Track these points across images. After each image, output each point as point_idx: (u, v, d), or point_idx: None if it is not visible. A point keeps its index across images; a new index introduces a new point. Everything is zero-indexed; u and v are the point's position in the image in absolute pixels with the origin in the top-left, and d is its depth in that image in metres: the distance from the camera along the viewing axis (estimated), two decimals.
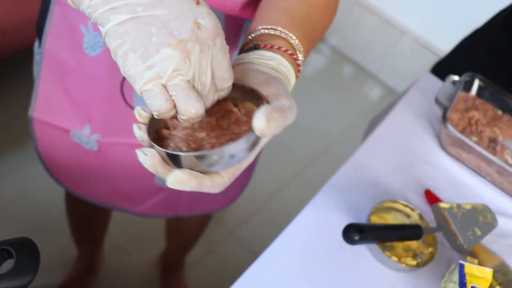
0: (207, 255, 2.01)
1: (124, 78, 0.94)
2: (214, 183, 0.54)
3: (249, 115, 0.57)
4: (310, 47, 0.74)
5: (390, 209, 0.98)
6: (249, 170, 1.33)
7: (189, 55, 0.50)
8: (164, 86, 0.51)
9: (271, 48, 0.65)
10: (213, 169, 0.53)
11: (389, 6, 2.81)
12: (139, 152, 0.53)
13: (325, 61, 3.12)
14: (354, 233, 0.84)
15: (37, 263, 0.47)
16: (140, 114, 0.56)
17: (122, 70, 0.51)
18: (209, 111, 0.57)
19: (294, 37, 0.67)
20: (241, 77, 0.59)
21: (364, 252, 0.94)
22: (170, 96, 0.51)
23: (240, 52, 0.68)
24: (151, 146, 0.54)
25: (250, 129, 0.54)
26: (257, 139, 0.53)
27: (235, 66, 0.63)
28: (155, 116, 0.53)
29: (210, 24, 0.52)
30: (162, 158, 0.53)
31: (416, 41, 2.76)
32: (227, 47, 0.54)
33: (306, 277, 0.89)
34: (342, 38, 3.07)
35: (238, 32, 0.93)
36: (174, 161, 0.52)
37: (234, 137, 0.55)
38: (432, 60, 2.37)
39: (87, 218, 1.63)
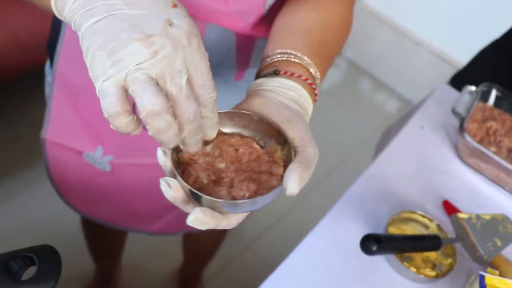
0: (225, 268, 2.01)
1: None
2: (230, 223, 0.54)
3: (271, 155, 0.57)
4: (326, 70, 0.74)
5: (408, 220, 0.98)
6: None
7: (156, 50, 0.47)
8: (124, 87, 0.48)
9: (291, 76, 0.64)
10: (233, 212, 0.53)
11: (404, 18, 2.81)
12: (163, 182, 0.52)
13: (341, 74, 3.12)
14: (372, 243, 0.84)
15: (59, 270, 0.48)
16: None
17: (89, 71, 0.49)
18: (228, 142, 0.58)
19: (312, 64, 0.68)
20: (264, 109, 0.59)
21: (382, 263, 0.93)
22: (127, 98, 0.48)
23: (258, 76, 0.67)
24: (174, 176, 0.53)
25: (270, 172, 0.55)
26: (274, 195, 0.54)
27: (254, 91, 0.63)
28: (106, 118, 0.50)
29: (184, 23, 0.50)
30: (185, 192, 0.52)
31: (431, 53, 2.76)
32: (207, 54, 0.52)
33: (324, 285, 0.88)
34: (358, 51, 3.08)
35: (249, 50, 0.93)
36: (197, 198, 0.52)
37: (253, 176, 0.55)
38: (449, 72, 2.36)
39: (104, 238, 1.64)
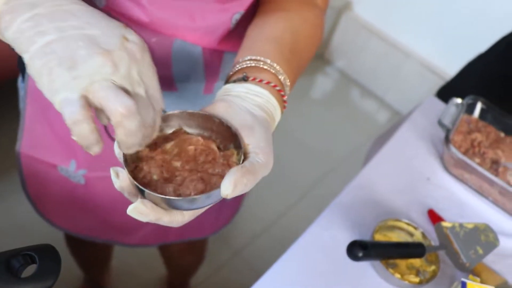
0: (213, 275, 2.02)
1: None
2: (173, 220, 0.55)
3: (226, 159, 0.58)
4: (296, 77, 0.74)
5: (393, 228, 1.01)
6: (240, 197, 1.33)
7: (117, 64, 0.50)
8: (86, 97, 0.49)
9: (259, 82, 0.65)
10: (174, 210, 0.54)
11: (395, 30, 2.85)
12: (112, 171, 0.55)
13: (331, 84, 3.16)
14: (358, 249, 0.86)
15: (59, 268, 0.50)
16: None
17: (46, 88, 0.50)
18: (189, 141, 0.59)
19: (282, 71, 0.68)
20: (227, 113, 0.60)
21: (368, 269, 0.96)
22: (89, 106, 0.49)
23: (227, 81, 0.68)
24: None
25: (222, 175, 0.56)
26: (212, 198, 0.55)
27: (221, 97, 0.64)
28: (69, 126, 0.49)
29: (137, 39, 0.52)
30: (130, 182, 0.54)
31: (421, 65, 2.80)
32: (155, 68, 0.54)
33: None
34: (349, 61, 3.12)
35: (217, 64, 0.93)
36: (141, 192, 0.54)
37: (204, 177, 0.56)
38: (438, 83, 2.40)
39: (90, 251, 1.62)
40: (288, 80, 0.69)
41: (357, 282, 0.94)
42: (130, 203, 0.54)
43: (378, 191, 1.11)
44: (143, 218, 0.52)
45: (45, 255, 0.51)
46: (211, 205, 0.56)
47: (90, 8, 0.53)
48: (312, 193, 2.43)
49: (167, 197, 0.52)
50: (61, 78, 0.48)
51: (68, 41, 0.49)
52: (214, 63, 0.91)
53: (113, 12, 0.81)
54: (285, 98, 0.67)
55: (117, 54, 0.50)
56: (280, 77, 0.67)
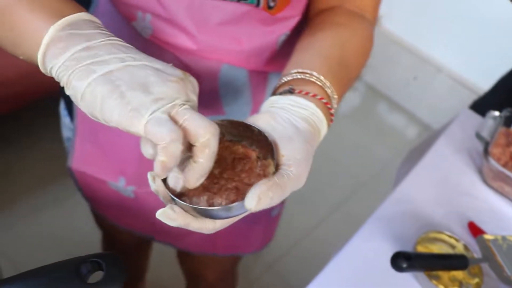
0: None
1: None
2: (203, 227, 0.55)
3: (263, 169, 0.57)
4: (343, 93, 0.73)
5: (435, 240, 1.01)
6: (279, 214, 1.32)
7: (187, 92, 0.52)
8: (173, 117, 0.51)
9: (305, 95, 0.64)
10: (204, 217, 0.55)
11: (425, 44, 2.86)
12: (149, 175, 0.56)
13: (360, 98, 3.16)
14: (402, 260, 0.87)
15: (124, 275, 0.52)
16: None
17: (114, 112, 0.50)
18: (229, 149, 0.59)
19: (329, 84, 0.67)
20: (269, 124, 0.59)
21: (410, 281, 0.96)
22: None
23: (273, 94, 0.67)
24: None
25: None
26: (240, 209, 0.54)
27: (266, 108, 0.63)
28: (161, 148, 0.50)
29: (192, 77, 0.55)
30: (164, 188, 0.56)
31: (452, 78, 2.80)
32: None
33: None
34: (378, 75, 3.13)
35: (264, 86, 0.94)
36: (173, 199, 0.55)
37: (239, 186, 0.56)
38: (468, 97, 2.40)
39: (127, 258, 1.64)
40: (335, 94, 0.68)
41: None
42: None
43: (417, 204, 1.11)
44: (171, 223, 0.53)
45: (111, 263, 0.53)
46: (243, 215, 0.56)
47: (135, 48, 0.56)
48: (342, 208, 2.43)
49: (193, 206, 0.53)
50: (138, 100, 0.49)
51: (133, 70, 0.51)
52: (260, 85, 0.92)
53: (159, 41, 0.83)
54: (332, 111, 0.66)
55: (187, 83, 0.53)
56: (327, 90, 0.66)
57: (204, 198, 0.55)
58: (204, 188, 0.56)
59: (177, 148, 0.49)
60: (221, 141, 0.59)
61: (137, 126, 0.49)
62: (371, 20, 0.84)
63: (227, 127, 0.60)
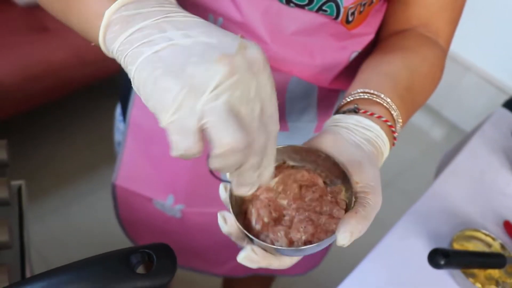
0: None
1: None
2: (283, 264, 0.53)
3: (334, 196, 0.55)
4: (408, 117, 0.70)
5: (471, 238, 1.00)
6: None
7: (233, 71, 0.43)
8: (201, 122, 0.43)
9: (371, 116, 0.61)
10: (284, 255, 0.53)
11: (454, 42, 2.81)
12: (219, 216, 0.52)
13: None
14: (440, 257, 0.86)
15: (175, 267, 0.53)
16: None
17: (149, 101, 0.45)
18: (294, 177, 0.56)
19: (395, 107, 0.64)
20: (335, 147, 0.56)
21: (446, 279, 0.96)
22: (202, 137, 0.44)
23: (337, 112, 0.65)
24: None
25: (331, 214, 0.54)
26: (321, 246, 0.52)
27: (329, 127, 0.61)
28: (178, 156, 0.45)
29: (257, 49, 0.46)
30: (239, 229, 0.52)
31: (480, 77, 2.76)
32: (274, 82, 0.48)
33: None
34: None
35: (331, 104, 0.91)
36: (249, 238, 0.52)
37: (312, 216, 0.53)
38: (497, 96, 2.38)
39: None
40: (400, 117, 0.65)
41: None
42: (224, 237, 0.54)
43: (452, 202, 1.10)
44: (253, 265, 0.51)
45: (162, 254, 0.53)
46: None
47: (204, 21, 0.49)
48: None
49: (277, 247, 0.51)
50: (167, 89, 0.43)
51: (179, 49, 0.44)
52: (328, 103, 0.90)
53: None
54: (395, 134, 0.64)
55: (236, 60, 0.43)
56: (392, 112, 0.64)
57: (281, 234, 0.52)
58: (275, 221, 0.54)
59: (188, 156, 0.44)
60: (283, 168, 0.57)
61: (161, 123, 0.44)
62: (444, 47, 0.81)
63: (290, 152, 0.57)
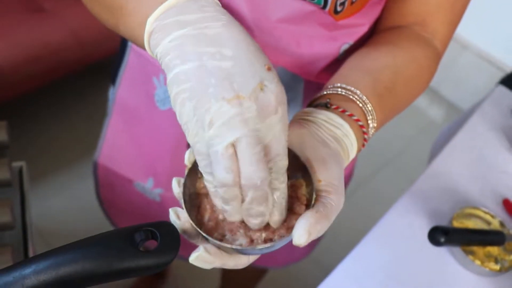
0: (281, 273, 2.02)
1: None
2: (238, 263, 0.52)
3: (295, 190, 0.53)
4: (385, 120, 0.67)
5: (470, 216, 1.01)
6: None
7: (243, 114, 0.44)
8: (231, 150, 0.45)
9: (342, 113, 0.59)
10: (240, 255, 0.51)
11: None
12: (171, 212, 0.52)
13: None
14: (440, 235, 0.87)
15: (178, 244, 0.53)
16: (189, 159, 0.54)
17: (178, 117, 0.47)
18: None
19: (370, 108, 0.62)
20: (300, 142, 0.54)
21: (446, 256, 0.96)
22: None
23: (309, 105, 0.63)
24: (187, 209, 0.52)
25: (292, 210, 0.52)
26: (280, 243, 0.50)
27: (298, 118, 0.59)
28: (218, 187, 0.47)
29: (275, 90, 0.46)
30: (192, 227, 0.51)
31: (478, 56, 2.76)
32: (288, 121, 0.48)
33: (390, 276, 0.92)
34: None
35: None
36: (204, 237, 0.50)
37: None
38: (495, 75, 2.37)
39: None
40: (375, 119, 0.62)
41: (436, 268, 0.95)
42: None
43: (452, 180, 1.11)
44: (207, 266, 0.50)
45: (165, 232, 0.53)
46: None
47: (241, 33, 0.48)
48: (367, 185, 2.43)
49: (236, 247, 0.49)
50: (190, 117, 0.45)
51: (203, 73, 0.45)
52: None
53: None
54: (366, 136, 0.61)
55: (245, 104, 0.44)
56: (366, 113, 0.61)
57: (241, 232, 0.51)
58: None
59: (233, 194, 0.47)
60: None
61: (189, 141, 0.47)
62: (439, 49, 0.78)
63: None
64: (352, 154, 0.59)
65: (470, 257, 0.93)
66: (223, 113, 0.44)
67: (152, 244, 0.53)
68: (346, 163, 0.58)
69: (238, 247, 0.49)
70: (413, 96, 0.73)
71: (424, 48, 0.74)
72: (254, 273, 1.63)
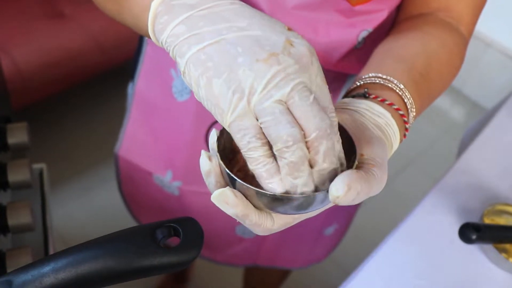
0: (302, 275, 2.01)
1: (209, 127, 0.86)
2: (261, 223, 0.47)
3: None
4: (422, 107, 0.65)
5: (502, 212, 0.98)
6: (340, 235, 1.28)
7: (283, 70, 0.43)
8: (258, 123, 0.43)
9: (381, 102, 0.57)
10: (267, 209, 0.47)
11: None
12: (203, 154, 0.48)
13: None
14: (471, 231, 0.84)
15: (202, 241, 0.51)
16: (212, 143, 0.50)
17: (206, 103, 0.45)
18: None
19: (408, 95, 0.59)
20: (346, 121, 0.53)
21: (477, 254, 0.93)
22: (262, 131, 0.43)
23: (346, 95, 0.61)
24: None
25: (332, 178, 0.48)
26: (318, 201, 0.46)
27: (338, 110, 0.56)
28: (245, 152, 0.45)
29: (304, 43, 0.45)
30: (222, 173, 0.48)
31: (502, 53, 2.71)
32: (323, 74, 0.47)
33: (419, 276, 0.89)
34: None
35: (338, 89, 0.87)
36: (232, 183, 0.47)
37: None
38: None
39: None
40: (414, 107, 0.60)
41: (468, 267, 0.92)
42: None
43: (480, 176, 1.08)
44: (228, 209, 0.46)
45: (188, 228, 0.52)
46: (312, 213, 0.49)
47: (251, 9, 0.47)
48: (391, 185, 2.39)
49: (263, 191, 0.45)
50: (222, 94, 0.43)
51: (225, 47, 0.44)
52: (333, 87, 0.85)
53: None
54: (407, 125, 0.59)
55: (282, 59, 0.43)
56: (406, 100, 0.59)
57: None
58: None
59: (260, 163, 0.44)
60: None
61: (223, 124, 0.45)
62: (465, 35, 0.76)
63: None
64: (396, 144, 0.57)
65: (504, 255, 0.90)
66: (263, 74, 0.42)
67: (174, 241, 0.52)
68: (390, 152, 0.56)
69: (268, 193, 0.45)
70: (447, 82, 0.71)
71: (451, 34, 0.72)
72: (276, 275, 1.61)
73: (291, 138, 0.42)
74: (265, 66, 0.42)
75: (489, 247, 0.90)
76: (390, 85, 0.59)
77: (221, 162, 0.47)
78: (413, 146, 2.63)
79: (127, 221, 1.41)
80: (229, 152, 0.51)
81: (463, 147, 1.37)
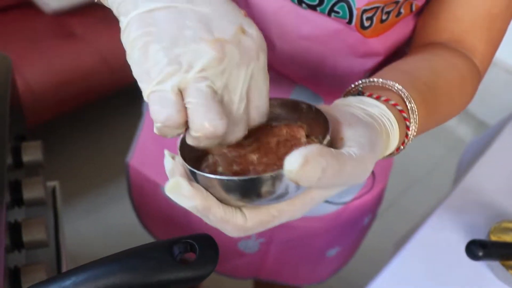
0: None
1: None
2: (227, 219, 0.43)
3: (295, 136, 0.49)
4: (429, 115, 0.59)
5: (508, 230, 0.99)
6: (344, 257, 1.29)
7: (224, 59, 0.40)
8: (181, 93, 0.41)
9: (377, 98, 0.52)
10: (236, 202, 0.44)
11: None
12: (167, 153, 0.47)
13: None
14: (478, 248, 0.85)
15: (217, 257, 0.52)
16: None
17: (135, 67, 0.42)
18: (272, 133, 0.49)
19: (407, 94, 0.54)
20: (327, 109, 0.49)
21: (484, 272, 0.94)
22: (185, 107, 0.41)
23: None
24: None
25: None
26: (287, 183, 0.41)
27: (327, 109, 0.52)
28: (156, 130, 0.43)
29: (256, 34, 0.43)
30: (186, 172, 0.45)
31: (508, 72, 2.72)
32: (268, 74, 0.45)
33: None
34: None
35: None
36: (195, 178, 0.44)
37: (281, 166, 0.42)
38: None
39: None
40: (416, 109, 0.54)
41: (474, 284, 0.92)
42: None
43: (487, 194, 1.09)
44: (185, 202, 0.42)
45: (204, 244, 0.53)
46: (282, 201, 0.44)
47: None
48: (397, 203, 2.40)
49: (217, 176, 0.42)
50: (156, 57, 0.40)
51: (175, 15, 0.41)
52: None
53: None
54: (408, 122, 0.54)
55: (228, 47, 0.41)
56: (406, 101, 0.54)
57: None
58: (235, 174, 0.46)
59: (172, 132, 0.42)
60: (263, 127, 0.49)
61: (144, 93, 0.42)
62: (479, 67, 0.71)
63: (273, 106, 0.51)
64: (394, 136, 0.52)
65: (511, 272, 0.91)
66: (205, 56, 0.40)
67: (190, 256, 0.53)
68: (386, 143, 0.50)
69: (222, 177, 0.42)
70: (456, 106, 0.67)
71: (464, 60, 0.68)
72: None
73: (212, 131, 0.41)
74: (208, 48, 0.40)
75: (496, 264, 0.91)
76: (387, 86, 0.55)
77: (181, 158, 0.46)
78: (419, 164, 2.65)
79: (136, 239, 1.42)
80: (194, 161, 0.48)
81: (461, 165, 1.39)
